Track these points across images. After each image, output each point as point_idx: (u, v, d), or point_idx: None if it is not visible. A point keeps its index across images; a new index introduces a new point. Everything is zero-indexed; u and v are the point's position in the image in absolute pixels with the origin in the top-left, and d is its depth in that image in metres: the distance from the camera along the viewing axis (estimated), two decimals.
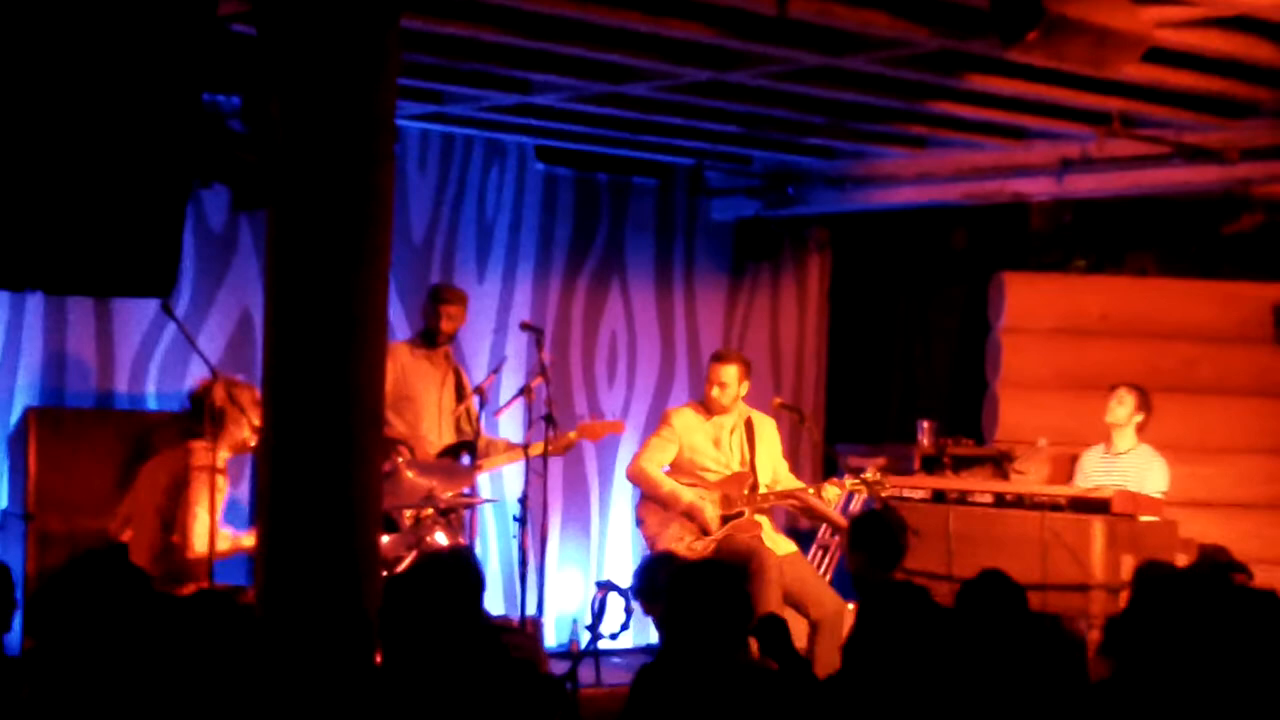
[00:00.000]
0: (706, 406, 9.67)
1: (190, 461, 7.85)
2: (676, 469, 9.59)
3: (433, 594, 5.15)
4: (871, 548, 7.76)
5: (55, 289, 6.52)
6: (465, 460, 9.66)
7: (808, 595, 9.08)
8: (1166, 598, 5.18)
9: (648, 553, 9.26)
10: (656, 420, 10.78)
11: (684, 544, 9.23)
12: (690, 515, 9.39)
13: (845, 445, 11.50)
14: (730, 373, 9.59)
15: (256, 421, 7.62)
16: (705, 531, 9.34)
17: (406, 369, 9.65)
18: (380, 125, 6.63)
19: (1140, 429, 10.33)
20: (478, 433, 9.63)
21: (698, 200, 12.24)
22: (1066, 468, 10.83)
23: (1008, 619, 6.04)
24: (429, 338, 9.86)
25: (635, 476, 9.66)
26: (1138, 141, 10.00)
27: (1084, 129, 10.09)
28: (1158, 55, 8.27)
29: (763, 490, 9.48)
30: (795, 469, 9.98)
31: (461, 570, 5.32)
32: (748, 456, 9.57)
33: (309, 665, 4.30)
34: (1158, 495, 9.86)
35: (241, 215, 9.73)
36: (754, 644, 6.05)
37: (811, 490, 9.53)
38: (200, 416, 7.99)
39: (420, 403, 9.71)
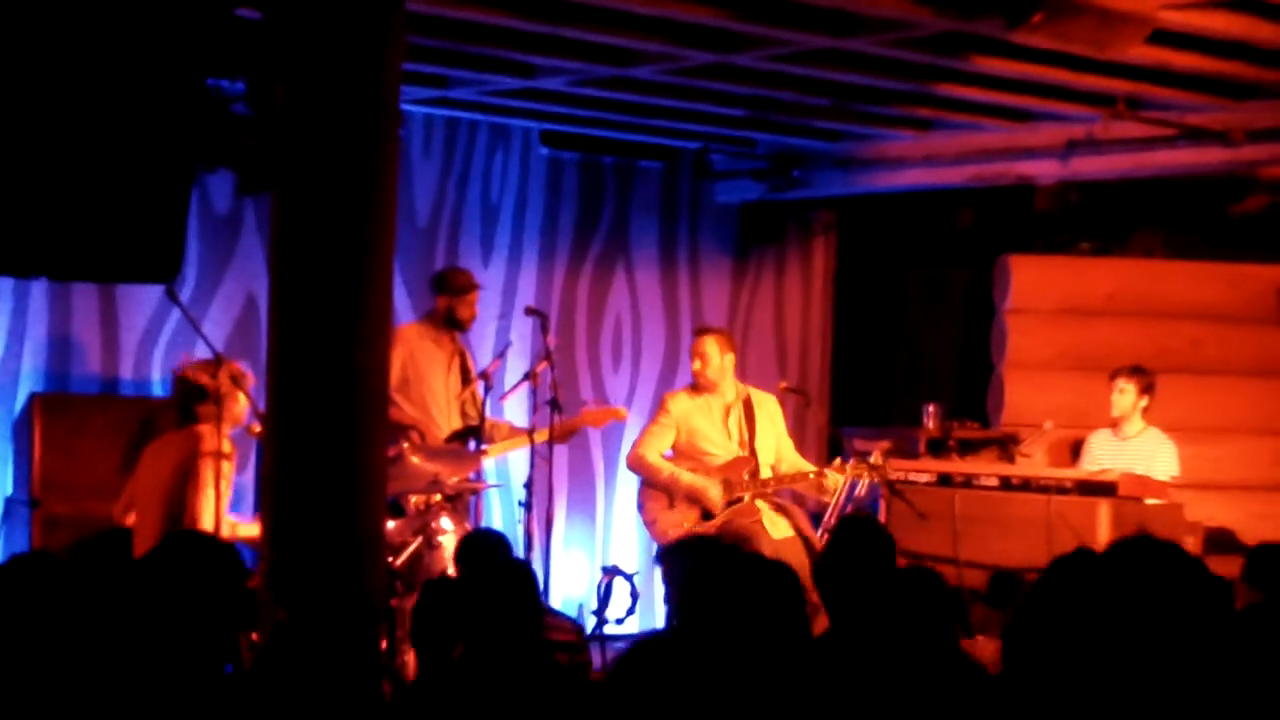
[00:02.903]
0: (694, 385, 9.64)
1: (197, 446, 7.83)
2: (678, 454, 9.56)
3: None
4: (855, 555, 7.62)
5: (60, 275, 6.52)
6: (472, 446, 9.64)
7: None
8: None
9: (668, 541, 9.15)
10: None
11: (684, 529, 9.20)
12: (693, 498, 9.36)
13: (850, 428, 11.45)
14: (708, 345, 9.52)
15: (248, 396, 7.69)
16: (707, 514, 9.31)
17: (415, 352, 9.62)
18: (385, 109, 6.61)
19: (1146, 411, 10.29)
20: (483, 417, 9.60)
21: (702, 183, 12.23)
22: (1069, 450, 10.80)
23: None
24: (452, 323, 9.80)
25: (635, 464, 9.63)
26: (1143, 123, 9.98)
27: (1089, 111, 10.07)
28: (1162, 37, 8.26)
29: (765, 474, 9.45)
30: (801, 452, 9.95)
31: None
32: (747, 439, 9.53)
33: (314, 651, 4.30)
34: (1168, 479, 9.83)
35: (246, 199, 9.72)
36: None
37: (813, 474, 9.50)
38: (192, 398, 7.96)
39: (428, 385, 9.68)
